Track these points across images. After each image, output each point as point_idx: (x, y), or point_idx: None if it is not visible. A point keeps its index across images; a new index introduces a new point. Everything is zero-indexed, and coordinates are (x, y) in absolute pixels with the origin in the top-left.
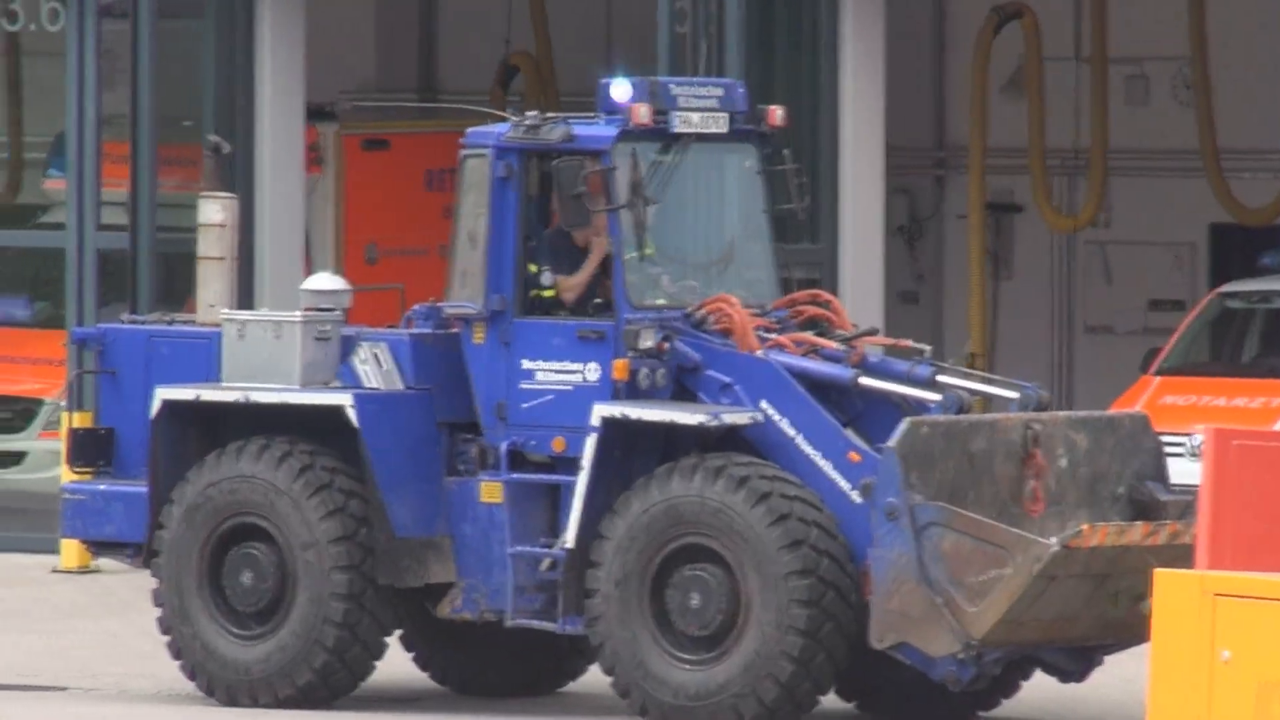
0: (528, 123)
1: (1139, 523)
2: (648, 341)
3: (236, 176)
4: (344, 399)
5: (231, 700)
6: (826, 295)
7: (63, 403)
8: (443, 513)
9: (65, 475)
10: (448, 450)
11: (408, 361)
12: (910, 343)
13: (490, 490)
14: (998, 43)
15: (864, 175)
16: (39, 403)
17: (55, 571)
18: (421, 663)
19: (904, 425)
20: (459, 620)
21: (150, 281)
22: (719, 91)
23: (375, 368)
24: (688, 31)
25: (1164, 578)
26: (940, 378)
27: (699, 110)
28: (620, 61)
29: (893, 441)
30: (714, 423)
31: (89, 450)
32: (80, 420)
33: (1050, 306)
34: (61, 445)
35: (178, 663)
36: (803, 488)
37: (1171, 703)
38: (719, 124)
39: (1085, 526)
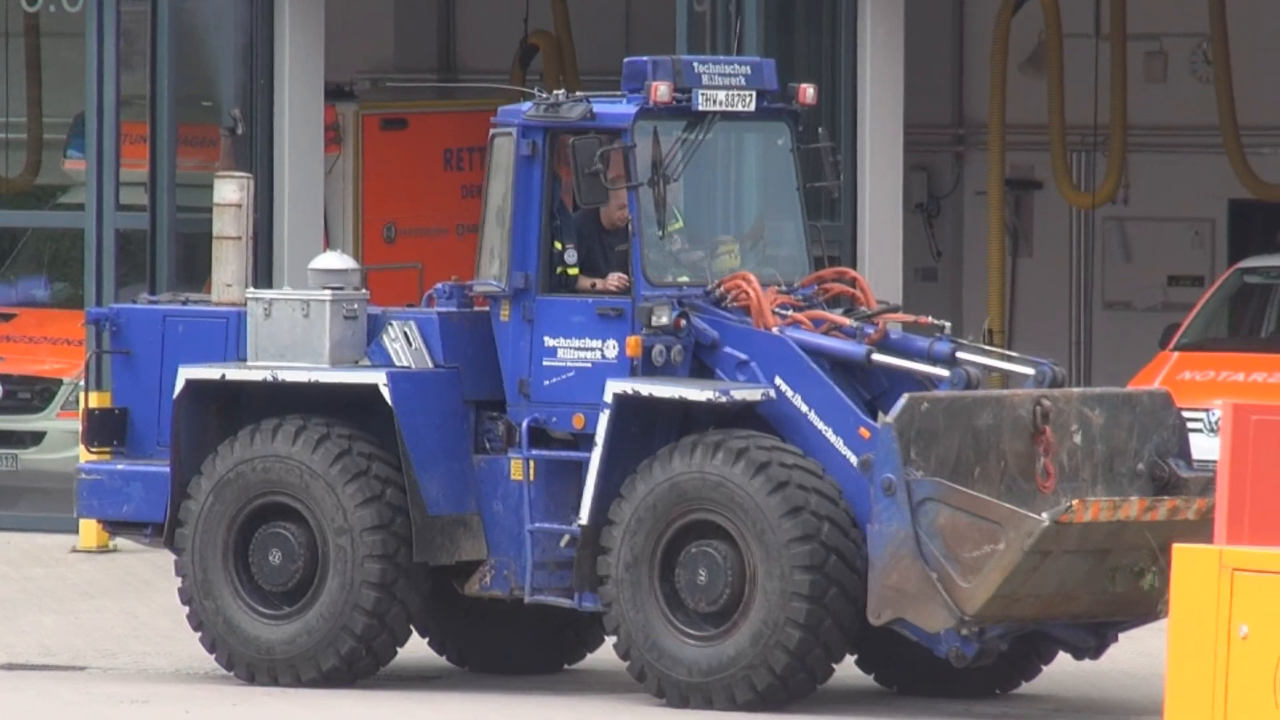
0: (549, 101)
1: (1134, 498)
2: (662, 318)
3: (256, 156)
4: (378, 377)
5: (251, 677)
6: (853, 273)
7: (81, 382)
8: (472, 490)
9: (82, 455)
10: (475, 428)
11: (436, 340)
12: (930, 319)
13: (520, 467)
14: (1017, 20)
15: (883, 152)
16: (58, 383)
17: (74, 551)
18: (438, 646)
19: (902, 401)
20: (488, 597)
21: (169, 261)
22: (746, 70)
23: (405, 346)
24: (706, 10)
25: (1182, 553)
26: (959, 354)
27: (724, 88)
28: (639, 40)
29: (890, 417)
30: (723, 398)
31: (105, 430)
32: (97, 400)
33: (1069, 283)
34: (78, 425)
35: (197, 635)
36: (803, 458)
37: (1189, 678)
38: (745, 102)
39: (1076, 502)
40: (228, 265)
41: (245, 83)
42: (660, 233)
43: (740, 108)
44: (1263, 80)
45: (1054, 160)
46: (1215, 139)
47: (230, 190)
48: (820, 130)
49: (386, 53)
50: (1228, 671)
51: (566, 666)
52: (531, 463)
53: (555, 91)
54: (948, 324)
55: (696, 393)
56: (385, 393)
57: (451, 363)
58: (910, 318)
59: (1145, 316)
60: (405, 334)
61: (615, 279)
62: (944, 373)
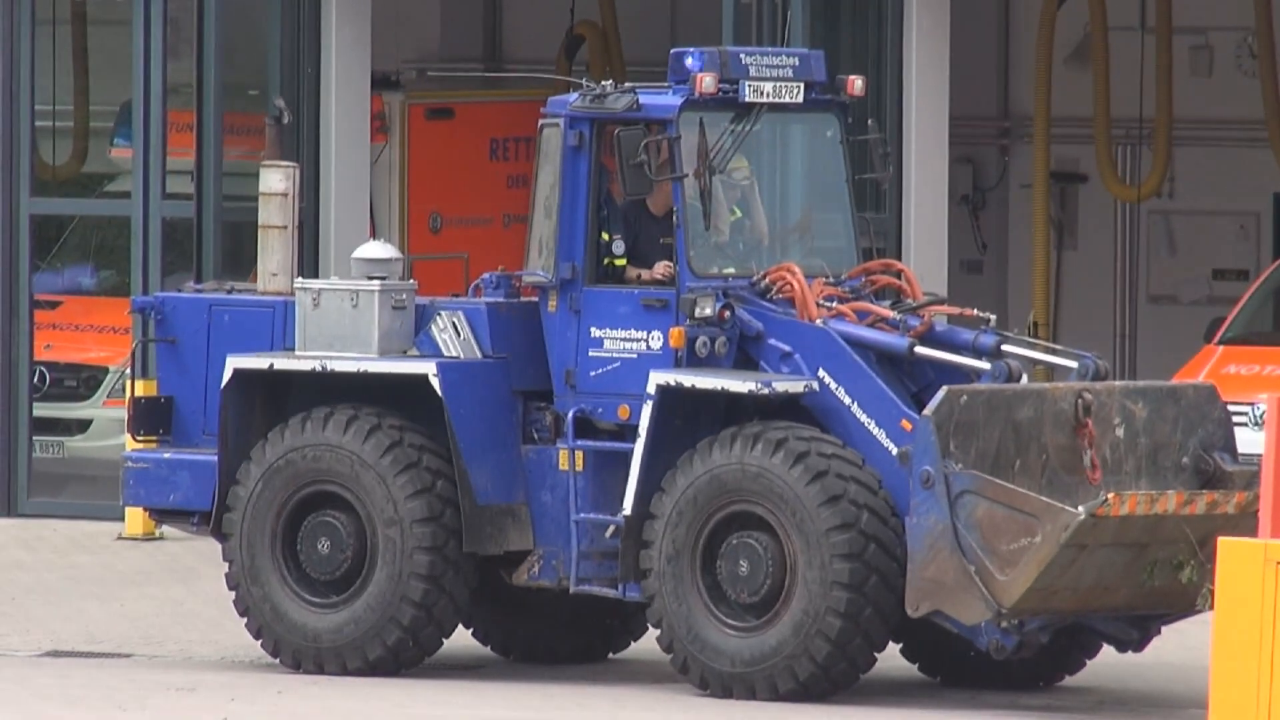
0: (595, 92)
1: (1172, 491)
2: (706, 310)
3: (303, 145)
4: (428, 367)
5: (296, 665)
6: (899, 265)
7: (127, 370)
8: (521, 480)
9: (128, 444)
10: (523, 418)
11: (484, 330)
12: (975, 311)
13: (567, 458)
14: (1063, 12)
15: (928, 144)
16: (104, 370)
17: (120, 539)
18: (481, 636)
19: (941, 394)
20: (536, 587)
21: (215, 250)
22: (794, 61)
23: (454, 336)
24: (752, 2)
25: (1227, 546)
26: (1005, 347)
27: (771, 80)
28: (685, 31)
29: (929, 410)
30: (764, 390)
31: (150, 419)
32: (143, 389)
33: (1114, 276)
34: (124, 413)
35: (243, 620)
36: (843, 447)
37: (1235, 670)
38: (793, 93)
39: (1112, 495)
40: (273, 254)
41: (292, 72)
42: (706, 224)
43: (788, 99)
44: None
45: (1099, 153)
46: (1261, 132)
47: (276, 179)
48: (870, 122)
49: (433, 42)
50: (1273, 664)
51: (610, 656)
52: (578, 453)
53: (602, 82)
54: (993, 316)
55: (739, 384)
56: (435, 383)
57: (500, 353)
58: (956, 310)
59: (1190, 310)
60: (454, 324)
61: (661, 268)
62: (985, 365)
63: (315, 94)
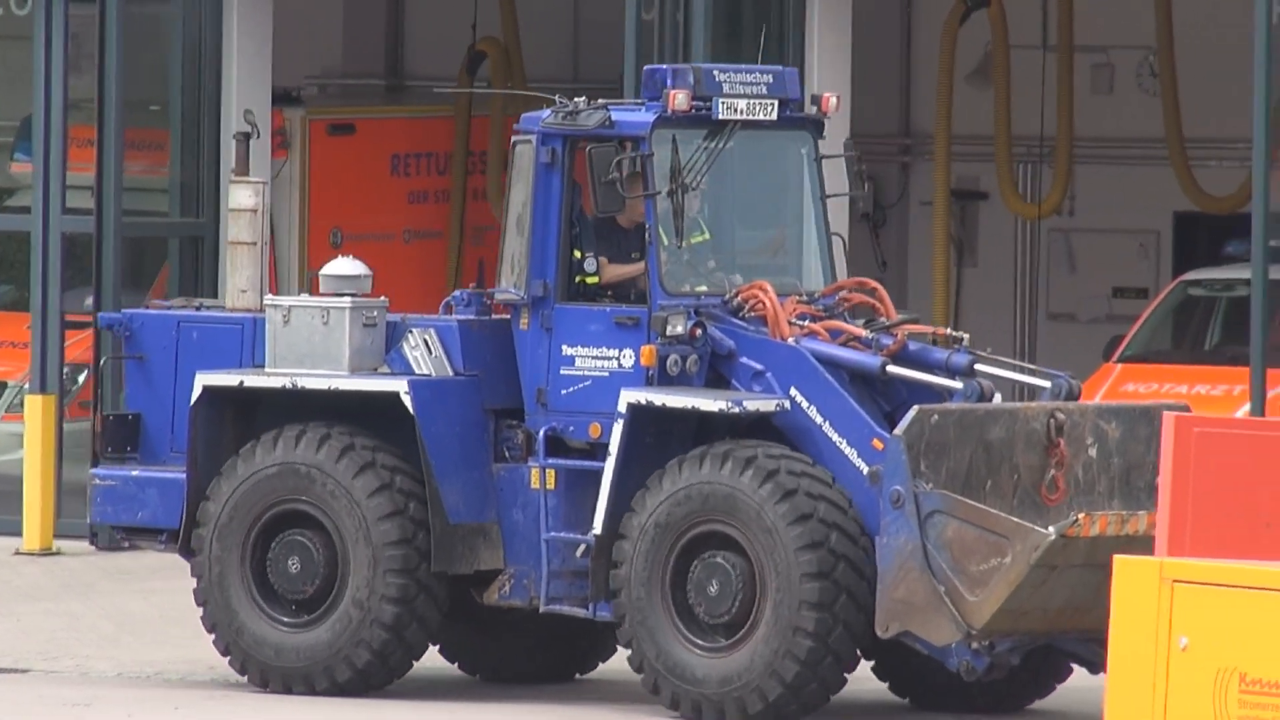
0: (567, 108)
1: (1143, 511)
2: (677, 328)
3: (202, 160)
4: (399, 385)
5: (264, 683)
6: (873, 283)
7: (26, 385)
8: (492, 499)
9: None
10: (494, 436)
11: (456, 347)
12: (948, 331)
13: (538, 476)
14: (964, 31)
15: (829, 162)
16: (2, 385)
17: (18, 554)
18: (449, 654)
19: (911, 413)
20: (506, 607)
21: (115, 265)
22: (767, 79)
23: (425, 354)
24: (654, 18)
25: (1122, 564)
26: (977, 366)
27: (745, 97)
28: (587, 48)
29: (900, 429)
30: (735, 409)
31: (119, 436)
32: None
33: (1014, 293)
34: (23, 427)
35: (211, 637)
36: (812, 465)
37: (1129, 689)
38: (767, 111)
39: (1083, 515)
40: (242, 271)
41: (193, 87)
42: (679, 242)
43: (761, 116)
44: (1208, 93)
45: (1000, 171)
46: (1161, 151)
47: (245, 195)
48: (845, 140)
49: (334, 58)
50: (1168, 683)
51: (578, 676)
52: (549, 472)
53: (575, 99)
54: (966, 336)
55: (710, 403)
56: (406, 400)
57: (471, 371)
58: (928, 329)
59: (1089, 328)
60: (425, 342)
61: (636, 268)
62: (957, 385)
63: (216, 109)
